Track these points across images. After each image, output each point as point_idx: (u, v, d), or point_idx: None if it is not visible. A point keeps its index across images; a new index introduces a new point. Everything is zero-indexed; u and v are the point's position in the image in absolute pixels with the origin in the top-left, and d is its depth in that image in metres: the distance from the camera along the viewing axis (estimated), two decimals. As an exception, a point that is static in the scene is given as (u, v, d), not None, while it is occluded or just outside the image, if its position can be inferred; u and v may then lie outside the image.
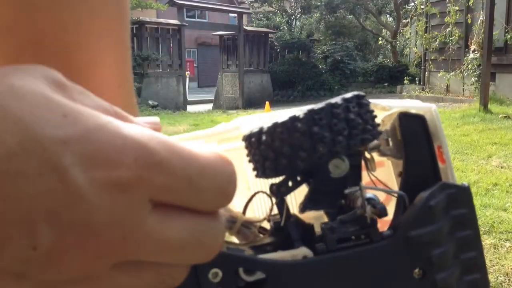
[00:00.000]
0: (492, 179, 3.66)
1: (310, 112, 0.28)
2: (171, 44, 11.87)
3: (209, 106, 14.02)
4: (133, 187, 0.19)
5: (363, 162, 0.34)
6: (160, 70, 11.59)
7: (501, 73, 8.40)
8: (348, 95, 0.30)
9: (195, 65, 24.31)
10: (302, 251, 0.29)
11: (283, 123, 0.29)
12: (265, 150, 0.29)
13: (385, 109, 0.41)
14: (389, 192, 0.35)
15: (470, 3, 8.84)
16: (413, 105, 0.38)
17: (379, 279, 0.30)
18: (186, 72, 12.80)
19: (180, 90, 12.05)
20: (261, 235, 0.32)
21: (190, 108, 12.40)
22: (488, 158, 4.35)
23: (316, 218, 0.32)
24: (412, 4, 13.38)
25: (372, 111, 0.30)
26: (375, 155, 0.39)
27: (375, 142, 0.38)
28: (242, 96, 13.34)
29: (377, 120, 0.39)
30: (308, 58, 15.57)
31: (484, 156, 4.42)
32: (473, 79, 8.48)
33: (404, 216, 0.32)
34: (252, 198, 0.33)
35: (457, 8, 9.22)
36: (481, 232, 0.38)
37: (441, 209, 0.32)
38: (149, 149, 0.20)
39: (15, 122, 0.18)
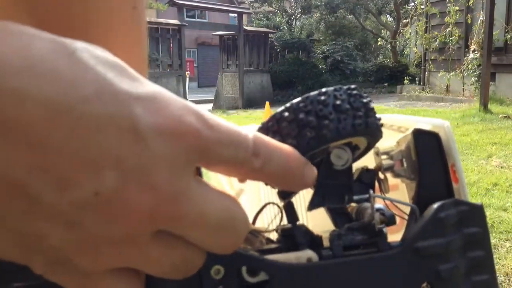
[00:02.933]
0: (492, 179, 3.66)
1: (297, 101, 0.29)
2: (171, 44, 11.86)
3: (209, 106, 14.02)
4: (192, 144, 0.21)
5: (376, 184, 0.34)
6: (160, 70, 11.58)
7: (501, 73, 8.39)
8: (338, 86, 0.30)
9: (195, 65, 24.31)
10: (307, 254, 0.29)
11: (273, 115, 0.29)
12: None
13: (401, 130, 0.41)
14: (399, 203, 0.35)
15: (470, 3, 8.84)
16: (427, 122, 0.38)
17: None
18: (186, 72, 12.79)
19: (180, 90, 12.04)
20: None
21: (190, 108, 12.34)
22: (488, 158, 4.35)
23: (324, 232, 0.32)
24: (412, 4, 13.39)
25: (367, 102, 0.30)
26: (389, 176, 0.39)
27: (389, 162, 0.39)
28: (242, 96, 13.34)
29: (392, 142, 0.39)
30: (308, 58, 15.56)
31: (484, 156, 4.42)
32: (473, 79, 8.47)
33: (413, 226, 0.31)
34: (262, 209, 0.33)
35: (457, 8, 9.22)
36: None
37: (451, 223, 0.31)
38: (203, 113, 0.22)
39: (93, 75, 0.20)
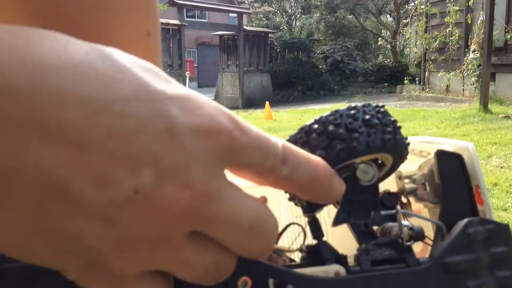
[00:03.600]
0: (492, 179, 3.66)
1: (326, 115, 0.29)
2: (171, 44, 11.87)
3: (209, 106, 13.99)
4: (225, 144, 0.21)
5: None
6: (160, 70, 11.57)
7: (501, 73, 8.39)
8: (367, 103, 0.30)
9: (195, 65, 24.30)
10: (335, 268, 0.28)
11: (302, 128, 0.29)
12: None
13: (422, 155, 0.41)
14: (426, 219, 0.35)
15: (470, 3, 8.84)
16: (450, 143, 0.38)
17: None
18: (186, 72, 12.79)
19: (180, 90, 12.02)
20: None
21: (190, 108, 12.35)
22: (488, 158, 4.35)
23: (350, 256, 0.32)
24: (412, 4, 13.39)
25: (394, 120, 0.30)
26: (411, 200, 0.39)
27: (412, 186, 0.39)
28: (242, 96, 13.34)
29: (414, 166, 0.39)
30: (308, 58, 15.56)
31: (484, 156, 4.42)
32: (473, 79, 8.47)
33: (441, 242, 0.31)
34: (285, 229, 0.33)
35: (457, 8, 9.22)
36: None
37: (479, 240, 0.31)
38: (235, 116, 0.22)
39: (131, 76, 0.20)
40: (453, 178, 0.35)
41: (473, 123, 6.13)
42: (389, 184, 0.36)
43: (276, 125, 7.27)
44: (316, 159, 0.26)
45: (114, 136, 0.19)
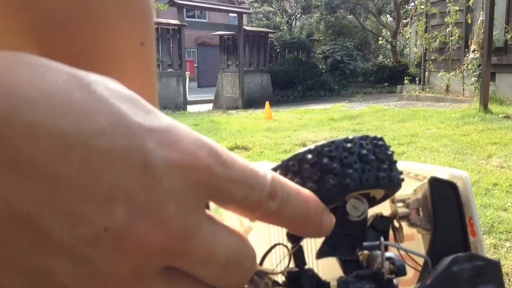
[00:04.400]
0: (492, 179, 3.66)
1: (322, 145, 0.28)
2: (171, 44, 11.87)
3: (209, 106, 14.02)
4: (203, 180, 0.21)
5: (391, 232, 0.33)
6: (160, 70, 11.58)
7: (501, 73, 8.39)
8: (364, 135, 0.29)
9: (195, 65, 24.29)
10: None
11: (294, 155, 0.28)
12: None
13: (418, 178, 0.40)
14: (411, 252, 0.33)
15: (470, 3, 8.84)
16: (444, 171, 0.37)
17: None
18: (186, 72, 12.79)
19: (180, 90, 12.04)
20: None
21: (190, 108, 12.40)
22: (488, 158, 4.35)
23: (333, 279, 0.31)
24: (412, 4, 13.39)
25: (391, 154, 0.29)
26: (404, 225, 0.38)
27: (405, 210, 0.38)
28: (242, 96, 13.34)
29: (409, 190, 0.38)
30: (308, 58, 15.56)
31: (484, 156, 4.42)
32: (473, 79, 8.47)
33: (425, 279, 0.30)
34: (270, 250, 0.32)
35: (457, 8, 9.22)
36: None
37: (466, 278, 0.30)
38: (217, 149, 0.22)
39: (108, 107, 0.19)
40: (445, 208, 0.34)
41: (473, 123, 6.13)
42: (381, 207, 0.35)
43: (276, 125, 7.27)
44: (306, 193, 0.25)
45: (87, 171, 0.18)
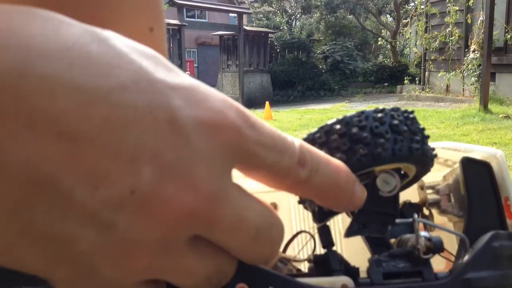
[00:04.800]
0: (492, 179, 3.66)
1: (351, 116, 0.26)
2: (171, 44, 11.85)
3: (209, 106, 13.97)
4: (234, 141, 0.19)
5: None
6: (160, 70, 11.56)
7: (501, 73, 8.39)
8: (395, 107, 0.28)
9: (195, 65, 24.27)
10: (342, 279, 0.26)
11: (321, 127, 0.27)
12: None
13: (447, 164, 0.38)
14: (447, 231, 0.32)
15: (470, 3, 8.84)
16: (478, 151, 0.35)
17: None
18: (186, 72, 12.77)
19: (180, 90, 12.02)
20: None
21: (190, 108, 12.35)
22: (488, 158, 4.35)
23: (360, 266, 0.29)
24: (412, 4, 13.38)
25: (423, 128, 0.27)
26: (434, 213, 0.36)
27: (435, 197, 0.36)
28: (242, 96, 13.33)
29: (438, 176, 0.36)
30: (308, 58, 15.55)
31: (484, 156, 4.41)
32: (473, 79, 8.46)
33: (464, 257, 0.28)
34: (294, 237, 0.31)
35: (457, 8, 9.21)
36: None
37: (506, 256, 0.28)
38: (245, 110, 0.20)
39: (129, 62, 0.18)
40: (480, 188, 0.32)
41: (473, 123, 6.13)
42: (410, 194, 0.33)
43: (276, 125, 7.26)
44: (337, 162, 0.24)
45: (110, 128, 0.17)
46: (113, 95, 0.17)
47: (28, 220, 0.17)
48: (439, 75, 9.87)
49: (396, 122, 0.26)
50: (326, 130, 0.26)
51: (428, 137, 0.28)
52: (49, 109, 0.16)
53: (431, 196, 0.37)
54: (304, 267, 0.30)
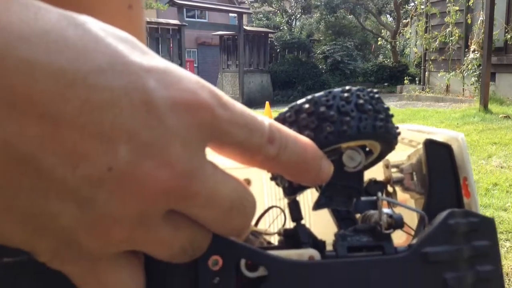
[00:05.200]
0: (492, 179, 3.66)
1: (319, 95, 0.28)
2: (171, 44, 11.86)
3: (209, 106, 13.97)
4: (206, 120, 0.20)
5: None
6: (160, 70, 11.56)
7: (501, 73, 8.39)
8: (361, 87, 0.29)
9: (195, 65, 24.28)
10: (309, 252, 0.28)
11: (291, 106, 0.28)
12: None
13: (412, 145, 0.40)
14: (407, 208, 0.33)
15: (470, 3, 8.84)
16: (440, 133, 0.37)
17: None
18: (186, 72, 12.76)
19: (180, 90, 12.02)
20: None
21: (190, 108, 12.36)
22: (488, 158, 4.35)
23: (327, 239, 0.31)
24: (412, 4, 13.39)
25: (387, 108, 0.29)
26: (398, 189, 0.38)
27: (399, 175, 0.38)
28: (242, 96, 13.33)
29: (403, 156, 0.38)
30: (308, 58, 15.56)
31: (484, 156, 4.42)
32: (473, 79, 8.47)
33: (422, 232, 0.30)
34: (265, 212, 0.32)
35: (457, 8, 9.22)
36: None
37: (461, 233, 0.30)
38: (217, 91, 0.21)
39: (105, 46, 0.19)
40: (440, 169, 0.34)
41: (473, 123, 6.13)
42: (375, 173, 0.35)
43: (276, 125, 7.25)
44: (304, 139, 0.25)
45: (88, 110, 0.18)
46: (90, 78, 0.18)
47: (11, 197, 0.18)
48: (439, 75, 9.88)
49: (361, 101, 0.28)
50: (296, 109, 0.28)
51: (392, 115, 0.29)
52: (30, 91, 0.17)
53: (395, 174, 0.39)
54: (275, 240, 0.32)
